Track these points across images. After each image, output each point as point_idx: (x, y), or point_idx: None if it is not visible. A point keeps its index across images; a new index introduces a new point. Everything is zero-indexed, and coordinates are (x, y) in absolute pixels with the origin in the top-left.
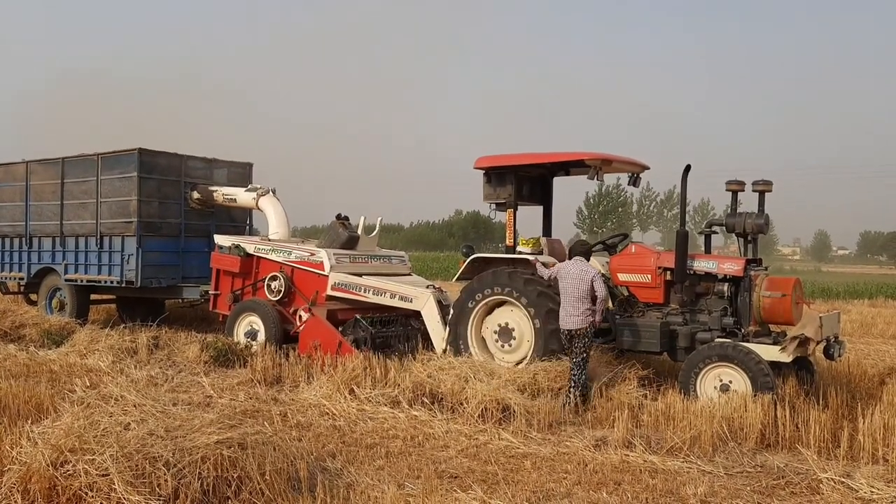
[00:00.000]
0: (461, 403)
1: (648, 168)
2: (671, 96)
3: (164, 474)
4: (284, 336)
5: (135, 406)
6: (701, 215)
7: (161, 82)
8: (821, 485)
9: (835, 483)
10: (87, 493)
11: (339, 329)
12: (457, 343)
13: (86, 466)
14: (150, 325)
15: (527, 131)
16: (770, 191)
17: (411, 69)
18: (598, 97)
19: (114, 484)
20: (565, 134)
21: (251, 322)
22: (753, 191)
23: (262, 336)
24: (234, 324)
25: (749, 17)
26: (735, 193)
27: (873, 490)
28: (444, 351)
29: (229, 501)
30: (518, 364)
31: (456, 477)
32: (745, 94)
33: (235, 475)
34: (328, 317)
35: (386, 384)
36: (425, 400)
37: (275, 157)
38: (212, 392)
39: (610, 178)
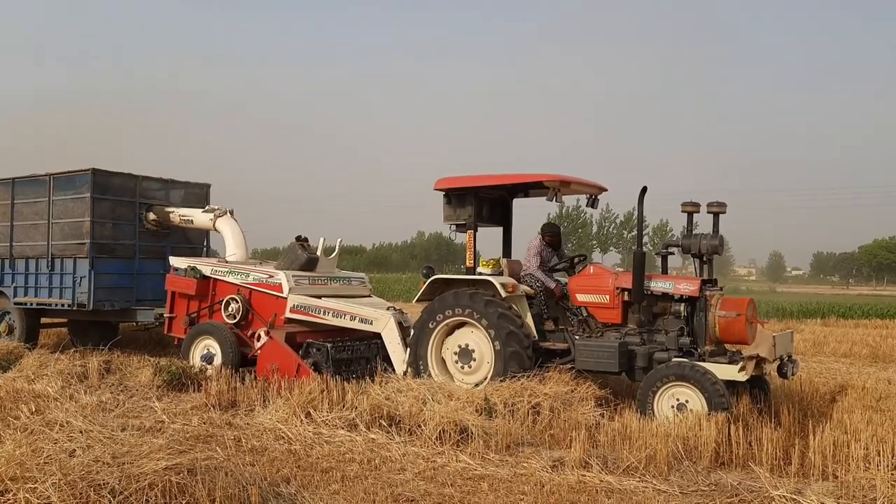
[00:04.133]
0: (419, 426)
1: (606, 190)
2: (626, 118)
3: (110, 502)
4: (242, 359)
5: (81, 432)
6: (660, 236)
7: (113, 103)
8: (773, 502)
9: (786, 500)
10: None
11: (300, 352)
12: (417, 364)
13: (27, 495)
14: (102, 349)
15: (488, 152)
16: (724, 212)
17: (374, 86)
18: (556, 119)
19: None
20: (525, 155)
21: (207, 345)
22: (708, 212)
23: (218, 359)
24: (190, 347)
25: (704, 42)
26: (690, 215)
27: None
28: (405, 373)
29: None
30: (477, 385)
31: (412, 500)
32: (702, 117)
33: (184, 502)
34: (287, 339)
35: (343, 407)
36: (383, 422)
37: (232, 178)
38: (164, 417)
39: (570, 200)
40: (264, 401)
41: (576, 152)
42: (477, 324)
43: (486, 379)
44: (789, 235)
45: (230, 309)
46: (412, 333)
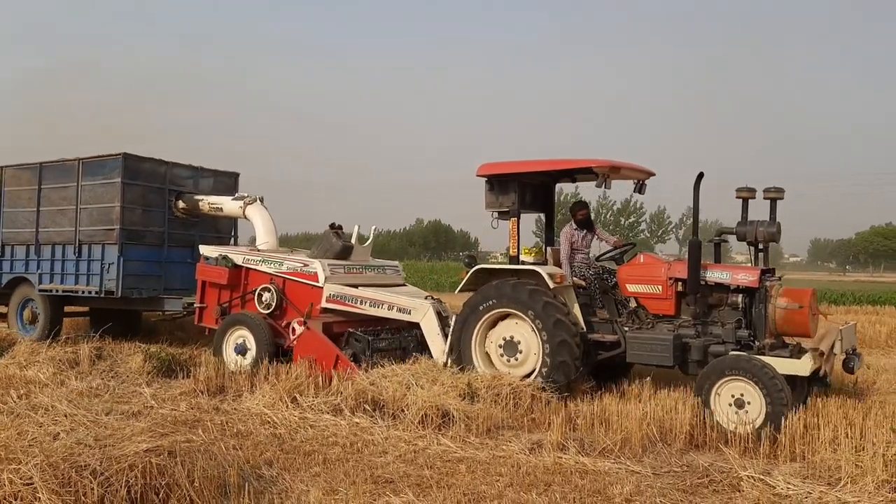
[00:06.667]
0: (402, 410)
1: (654, 175)
2: (622, 111)
3: (91, 483)
4: (277, 350)
5: (66, 416)
6: (657, 223)
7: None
8: (741, 482)
9: (754, 481)
10: (11, 502)
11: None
12: (459, 357)
13: (10, 476)
14: (94, 336)
15: (497, 138)
16: (781, 198)
17: (373, 74)
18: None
19: (38, 493)
20: (527, 147)
21: (241, 336)
22: (765, 198)
23: (252, 351)
24: (223, 338)
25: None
26: (745, 201)
27: (790, 486)
28: (446, 364)
29: None
30: (525, 378)
31: (390, 482)
32: (700, 106)
33: (164, 482)
34: (324, 330)
35: (329, 392)
36: (367, 407)
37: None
38: (153, 402)
39: (569, 187)
40: (252, 387)
41: (572, 146)
42: (522, 314)
43: (534, 371)
44: (787, 222)
45: (264, 299)
46: (454, 324)
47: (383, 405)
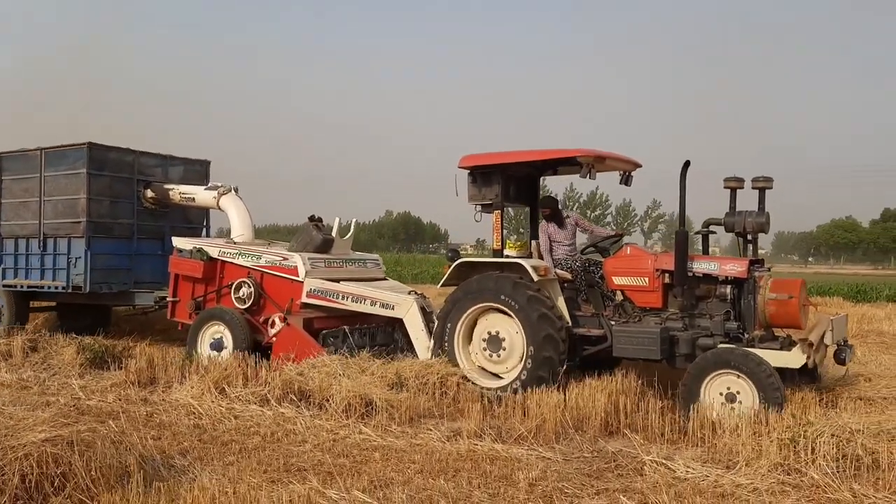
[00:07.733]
0: (327, 400)
1: (641, 166)
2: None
3: None
4: (255, 346)
5: None
6: (623, 216)
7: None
8: (644, 467)
9: (657, 465)
10: None
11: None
12: (442, 353)
13: None
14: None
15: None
16: (770, 187)
17: (346, 63)
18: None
19: None
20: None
21: (217, 332)
22: (753, 188)
23: (229, 346)
24: (198, 333)
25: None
26: (734, 191)
27: (689, 470)
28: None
29: (50, 498)
30: (509, 373)
31: (303, 469)
32: (666, 97)
33: (59, 471)
34: (305, 326)
35: (257, 383)
36: (294, 397)
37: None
38: (80, 394)
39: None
40: (183, 378)
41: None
42: (506, 308)
43: (517, 366)
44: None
45: (241, 293)
46: (437, 320)
47: (310, 395)
